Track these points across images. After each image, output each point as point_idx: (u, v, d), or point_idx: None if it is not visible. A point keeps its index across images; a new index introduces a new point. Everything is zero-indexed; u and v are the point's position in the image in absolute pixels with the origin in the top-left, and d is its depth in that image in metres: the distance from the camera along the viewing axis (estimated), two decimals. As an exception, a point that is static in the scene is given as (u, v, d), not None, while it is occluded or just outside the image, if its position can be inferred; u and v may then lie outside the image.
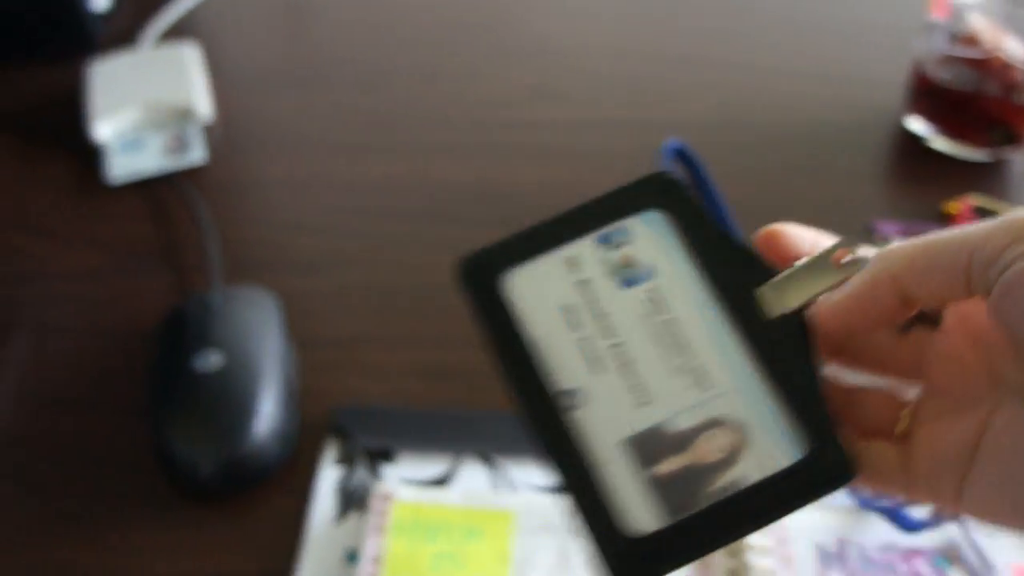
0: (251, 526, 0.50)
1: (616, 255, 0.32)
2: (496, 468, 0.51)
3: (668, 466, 0.28)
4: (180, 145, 0.68)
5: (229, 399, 0.51)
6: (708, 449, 0.29)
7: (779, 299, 0.30)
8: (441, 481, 0.51)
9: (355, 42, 0.78)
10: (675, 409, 0.29)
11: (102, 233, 0.64)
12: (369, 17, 0.80)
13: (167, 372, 0.53)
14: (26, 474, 0.52)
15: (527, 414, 0.29)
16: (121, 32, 0.79)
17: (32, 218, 0.65)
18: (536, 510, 0.49)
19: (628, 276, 0.32)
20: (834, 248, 0.30)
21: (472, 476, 0.51)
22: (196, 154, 0.68)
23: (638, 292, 0.31)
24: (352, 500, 0.50)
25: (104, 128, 0.69)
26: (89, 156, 0.68)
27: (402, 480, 0.51)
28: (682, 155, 0.65)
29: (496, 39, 0.77)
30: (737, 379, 0.30)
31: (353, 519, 0.50)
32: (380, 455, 0.52)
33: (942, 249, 0.27)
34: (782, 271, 0.30)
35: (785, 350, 0.30)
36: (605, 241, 0.32)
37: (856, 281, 0.29)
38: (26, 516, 0.50)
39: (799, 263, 0.30)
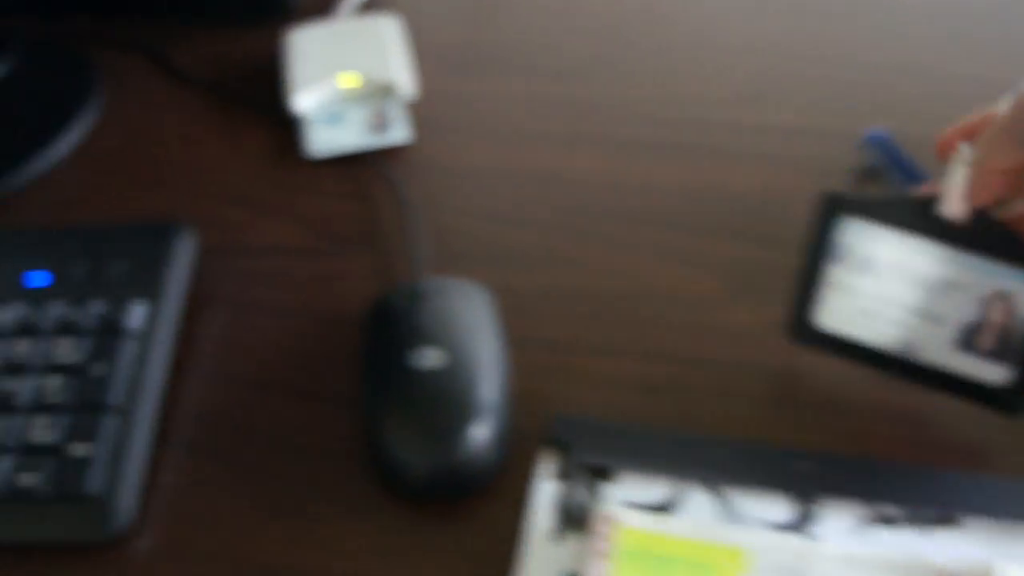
0: (465, 535, 0.47)
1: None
2: (723, 499, 0.48)
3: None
4: (382, 122, 0.66)
5: (448, 400, 0.48)
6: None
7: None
8: (663, 507, 0.48)
9: (552, 28, 0.74)
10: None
11: (302, 208, 0.62)
12: (567, 4, 0.76)
13: (380, 365, 0.50)
14: (231, 456, 0.50)
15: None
16: (316, 1, 0.77)
17: (232, 188, 0.63)
18: (774, 549, 0.45)
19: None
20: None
21: (696, 505, 0.48)
22: (398, 133, 0.65)
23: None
24: (571, 518, 0.47)
25: (304, 100, 0.66)
26: (288, 127, 0.67)
27: (624, 502, 0.48)
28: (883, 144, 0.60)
29: (699, 35, 0.72)
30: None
31: (572, 539, 0.47)
32: (598, 472, 0.49)
33: None
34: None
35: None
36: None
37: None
38: (237, 502, 0.48)
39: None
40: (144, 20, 0.78)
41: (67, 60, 0.73)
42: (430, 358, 0.49)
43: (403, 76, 0.67)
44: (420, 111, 0.67)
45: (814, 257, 0.49)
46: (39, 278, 0.54)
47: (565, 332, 0.55)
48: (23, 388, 0.49)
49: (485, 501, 0.48)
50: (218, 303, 0.56)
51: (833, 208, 0.48)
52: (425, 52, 0.71)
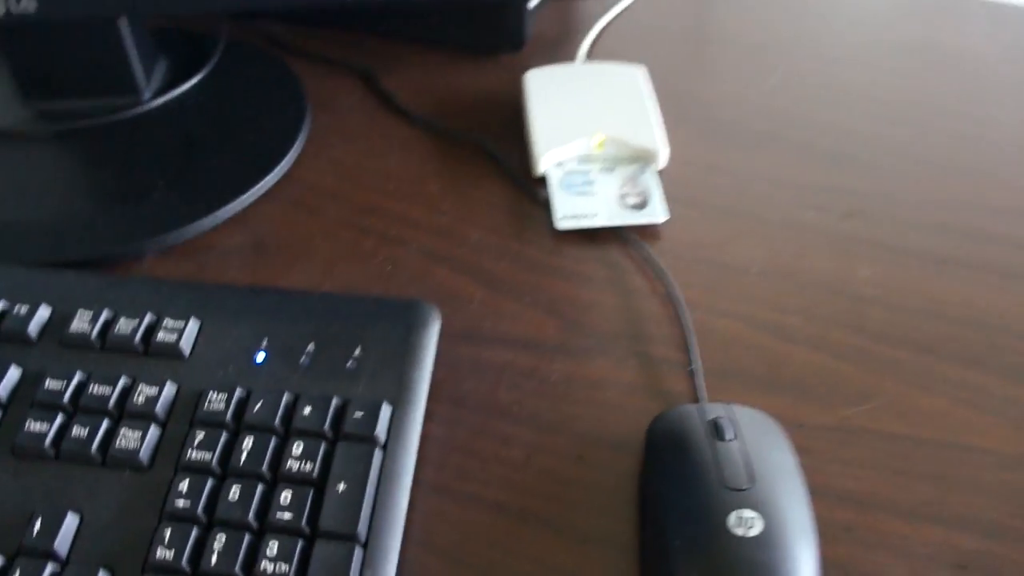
0: None
1: None
2: None
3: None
4: (636, 193, 0.57)
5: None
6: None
7: None
8: None
9: (836, 102, 0.65)
10: None
11: (550, 291, 0.53)
12: (858, 77, 0.67)
13: (682, 517, 0.41)
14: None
15: None
16: (548, 36, 0.68)
17: (464, 256, 0.55)
18: None
19: None
20: None
21: None
22: (656, 209, 0.56)
23: None
24: None
25: (549, 161, 0.58)
26: (524, 186, 0.58)
27: None
28: None
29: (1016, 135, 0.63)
30: None
31: None
32: None
33: None
34: None
35: None
36: None
37: None
38: None
39: None
40: (349, 33, 0.69)
41: (271, 73, 0.65)
42: (748, 522, 0.40)
43: (660, 141, 0.58)
44: (672, 182, 0.58)
45: None
46: (257, 355, 0.45)
47: (860, 484, 0.46)
48: (242, 498, 0.40)
49: None
50: (459, 404, 0.48)
51: None
52: (674, 110, 0.62)
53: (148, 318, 0.46)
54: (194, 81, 0.62)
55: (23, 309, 0.47)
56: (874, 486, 0.46)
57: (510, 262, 0.54)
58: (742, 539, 0.40)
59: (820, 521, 0.43)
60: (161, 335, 0.46)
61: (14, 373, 0.45)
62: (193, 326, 0.46)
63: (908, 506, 0.45)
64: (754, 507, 0.41)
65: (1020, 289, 0.53)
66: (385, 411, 0.43)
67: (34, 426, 0.43)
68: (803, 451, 0.46)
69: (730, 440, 0.44)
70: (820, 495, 0.44)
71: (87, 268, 0.53)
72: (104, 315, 0.47)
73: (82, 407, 0.44)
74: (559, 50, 0.68)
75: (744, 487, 0.41)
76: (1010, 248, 0.55)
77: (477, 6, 0.62)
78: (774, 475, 0.43)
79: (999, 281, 0.54)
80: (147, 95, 0.61)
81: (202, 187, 0.56)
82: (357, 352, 0.45)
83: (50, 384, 0.44)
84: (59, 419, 0.43)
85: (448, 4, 0.53)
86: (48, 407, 0.44)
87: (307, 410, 0.43)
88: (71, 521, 0.40)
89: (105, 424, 0.43)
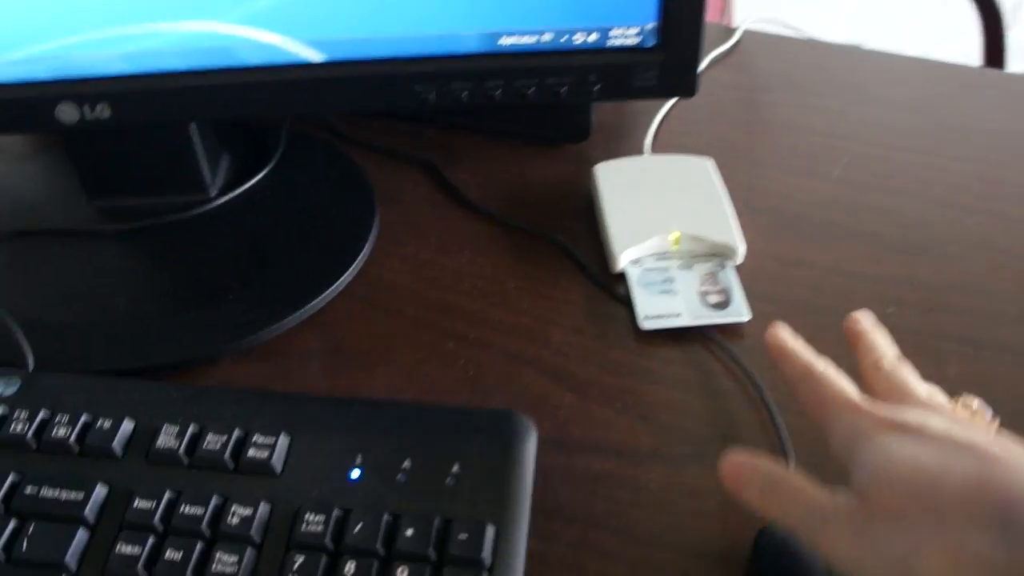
0: None
1: None
2: None
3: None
4: (716, 291, 0.56)
5: None
6: None
7: None
8: None
9: (890, 188, 0.64)
10: None
11: (639, 395, 0.52)
12: (903, 162, 0.66)
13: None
14: None
15: None
16: (609, 124, 0.67)
17: (548, 360, 0.54)
18: None
19: None
20: None
21: None
22: (739, 308, 0.55)
23: None
24: None
25: (627, 259, 0.57)
26: (601, 282, 0.58)
27: None
28: None
29: None
30: None
31: None
32: None
33: None
34: None
35: None
36: None
37: None
38: None
39: None
40: (408, 124, 0.69)
41: (335, 165, 0.64)
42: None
43: (737, 236, 0.57)
44: (749, 277, 0.57)
45: None
46: (352, 471, 0.44)
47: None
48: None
49: None
50: (555, 516, 0.46)
51: None
52: (743, 202, 0.61)
53: (236, 433, 0.45)
54: (260, 176, 0.62)
55: (106, 423, 0.45)
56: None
57: (596, 365, 0.53)
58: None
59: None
60: (252, 452, 0.44)
61: (101, 491, 0.43)
62: (284, 441, 0.45)
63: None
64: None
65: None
66: (490, 531, 0.42)
67: (125, 548, 0.42)
68: None
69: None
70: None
71: (163, 373, 0.51)
72: (191, 429, 0.45)
73: (174, 528, 0.42)
74: (622, 140, 0.68)
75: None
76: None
77: (546, 107, 0.61)
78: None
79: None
80: (213, 192, 0.60)
81: (276, 288, 0.55)
82: (455, 468, 0.44)
83: (139, 503, 0.43)
84: (151, 541, 0.42)
85: (515, 105, 0.52)
86: (138, 528, 0.42)
87: (409, 532, 0.41)
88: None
89: (199, 547, 0.41)
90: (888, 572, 0.33)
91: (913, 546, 0.32)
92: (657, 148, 0.67)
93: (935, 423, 0.36)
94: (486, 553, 0.41)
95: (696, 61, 0.51)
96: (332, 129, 0.68)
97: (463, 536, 0.41)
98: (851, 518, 0.35)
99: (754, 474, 0.38)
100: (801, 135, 0.69)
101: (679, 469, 0.48)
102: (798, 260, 0.59)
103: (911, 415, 0.36)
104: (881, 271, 0.58)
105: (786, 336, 0.43)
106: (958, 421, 0.36)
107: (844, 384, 0.40)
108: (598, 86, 0.51)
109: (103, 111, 0.51)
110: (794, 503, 0.37)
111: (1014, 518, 0.31)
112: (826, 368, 0.41)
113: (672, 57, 0.51)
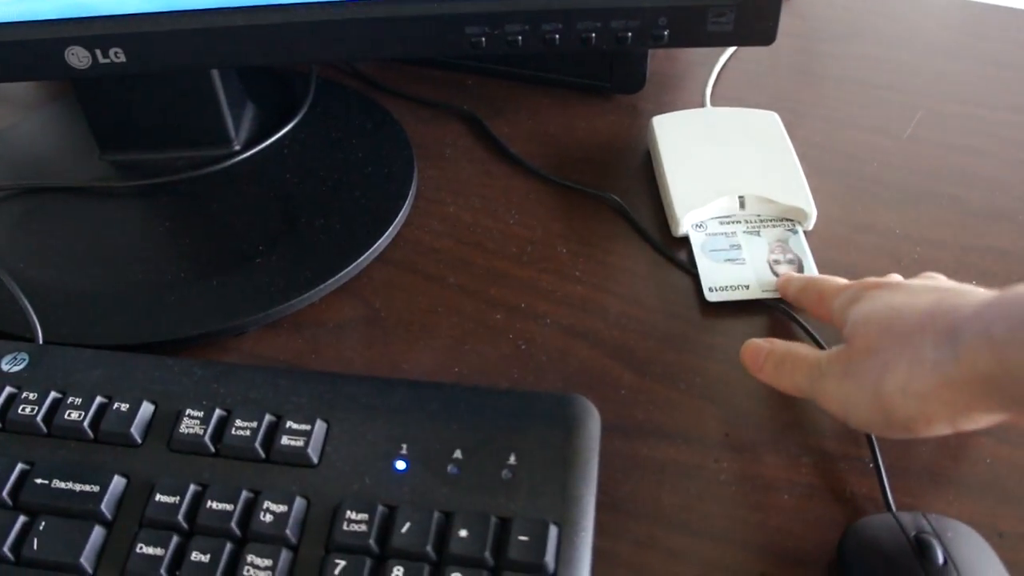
0: None
1: None
2: None
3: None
4: (787, 260, 0.51)
5: None
6: None
7: None
8: None
9: (969, 148, 0.59)
10: None
11: (706, 377, 0.47)
12: (983, 119, 0.61)
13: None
14: None
15: None
16: (664, 74, 0.62)
17: (605, 334, 0.49)
18: None
19: None
20: None
21: None
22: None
23: None
24: None
25: (690, 223, 0.52)
26: (659, 246, 0.53)
27: None
28: None
29: None
30: None
31: None
32: None
33: None
34: None
35: None
36: None
37: None
38: None
39: None
40: (447, 71, 0.63)
41: (369, 117, 0.59)
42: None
43: (809, 200, 0.52)
44: (820, 244, 0.53)
45: None
46: (397, 462, 0.39)
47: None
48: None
49: None
50: (618, 510, 0.42)
51: None
52: (811, 162, 0.56)
53: (268, 418, 0.40)
54: (288, 128, 0.56)
55: (123, 406, 0.41)
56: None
57: (658, 340, 0.48)
58: None
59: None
60: (285, 439, 0.40)
61: (118, 483, 0.39)
62: (320, 428, 0.40)
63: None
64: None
65: None
66: (552, 532, 0.37)
67: (146, 549, 0.37)
68: (1008, 565, 0.40)
69: (941, 565, 0.38)
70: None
71: (183, 347, 0.47)
72: (216, 414, 0.41)
73: (200, 526, 0.38)
74: (677, 91, 0.62)
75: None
76: None
77: (600, 53, 0.56)
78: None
79: None
80: (237, 145, 0.55)
81: (307, 251, 0.50)
82: (512, 459, 0.39)
83: (161, 498, 0.38)
84: (174, 541, 0.37)
85: (572, 52, 0.47)
86: (160, 526, 0.38)
87: (463, 532, 0.37)
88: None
89: (228, 548, 0.37)
90: (866, 398, 0.38)
91: (882, 366, 0.37)
92: (714, 101, 0.61)
93: (913, 280, 0.42)
94: (549, 557, 0.37)
95: (778, 3, 0.45)
96: (364, 77, 0.63)
97: (523, 538, 0.37)
98: (839, 364, 0.39)
99: (769, 354, 0.43)
100: (865, 88, 0.63)
101: (752, 458, 0.44)
102: (871, 225, 0.54)
103: (893, 277, 0.43)
104: (962, 240, 0.53)
105: (790, 275, 0.49)
106: (934, 279, 0.43)
107: (836, 279, 0.45)
108: (668, 31, 0.45)
109: (117, 55, 0.47)
110: (798, 369, 0.41)
111: (960, 330, 0.35)
112: (821, 276, 0.47)
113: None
